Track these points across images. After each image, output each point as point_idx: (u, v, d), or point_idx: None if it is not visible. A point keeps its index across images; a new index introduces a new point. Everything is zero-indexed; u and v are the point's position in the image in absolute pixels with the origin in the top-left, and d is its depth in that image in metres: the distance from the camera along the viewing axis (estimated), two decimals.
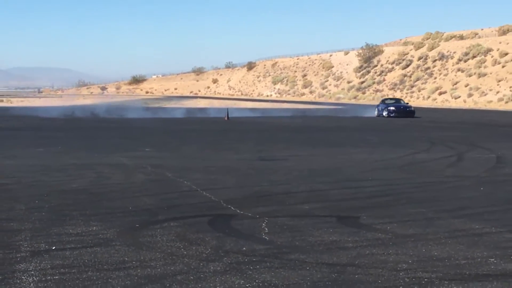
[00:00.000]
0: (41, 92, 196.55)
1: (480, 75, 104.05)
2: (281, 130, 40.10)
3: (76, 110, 68.16)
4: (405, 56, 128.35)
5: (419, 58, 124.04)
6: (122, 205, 13.31)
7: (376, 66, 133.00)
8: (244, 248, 9.71)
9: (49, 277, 8.13)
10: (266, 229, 11.05)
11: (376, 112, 63.83)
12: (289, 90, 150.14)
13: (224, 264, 8.80)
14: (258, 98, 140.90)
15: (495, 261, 9.07)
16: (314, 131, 39.73)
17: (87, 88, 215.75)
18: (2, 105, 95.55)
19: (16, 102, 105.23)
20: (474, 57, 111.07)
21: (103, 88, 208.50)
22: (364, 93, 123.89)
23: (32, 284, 7.84)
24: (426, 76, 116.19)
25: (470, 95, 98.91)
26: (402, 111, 61.23)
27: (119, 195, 14.71)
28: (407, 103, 68.49)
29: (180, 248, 9.68)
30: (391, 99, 72.81)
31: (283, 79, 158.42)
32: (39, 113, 61.80)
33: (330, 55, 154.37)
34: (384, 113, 61.49)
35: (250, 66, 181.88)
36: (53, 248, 9.65)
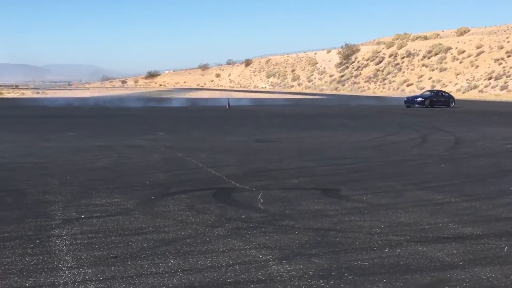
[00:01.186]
0: (71, 86, 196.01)
1: (441, 70, 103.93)
2: (274, 117, 40.05)
3: (100, 100, 68.07)
4: (378, 53, 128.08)
5: (390, 55, 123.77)
6: (140, 180, 13.32)
7: (353, 62, 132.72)
8: (243, 216, 9.73)
9: (79, 241, 8.16)
10: (262, 200, 11.07)
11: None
12: (280, 83, 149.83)
13: (226, 230, 8.83)
14: (254, 89, 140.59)
15: (454, 226, 9.10)
16: (302, 117, 39.69)
17: (110, 82, 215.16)
18: (39, 96, 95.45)
19: (50, 94, 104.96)
20: (436, 54, 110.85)
21: (123, 82, 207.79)
22: (343, 85, 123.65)
23: (64, 247, 7.86)
24: (396, 71, 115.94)
25: (433, 87, 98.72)
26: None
27: (137, 171, 14.73)
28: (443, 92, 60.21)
29: (189, 216, 9.70)
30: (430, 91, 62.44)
31: (275, 73, 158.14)
32: (70, 102, 61.70)
33: (315, 53, 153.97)
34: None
35: (247, 62, 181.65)
36: (82, 216, 9.67)
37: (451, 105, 54.75)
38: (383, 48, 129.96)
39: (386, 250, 7.81)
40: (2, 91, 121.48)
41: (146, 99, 75.81)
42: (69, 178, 13.50)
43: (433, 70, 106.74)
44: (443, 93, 58.60)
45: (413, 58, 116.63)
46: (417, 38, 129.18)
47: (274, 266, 7.08)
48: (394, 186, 12.64)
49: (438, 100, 55.45)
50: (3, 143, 21.53)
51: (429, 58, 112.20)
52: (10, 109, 51.24)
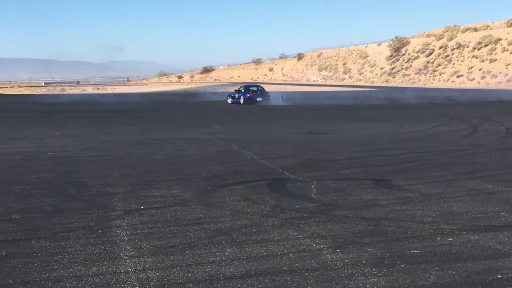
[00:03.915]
0: (130, 81, 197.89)
1: (491, 61, 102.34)
2: (325, 109, 39.94)
3: (158, 95, 68.56)
4: (428, 46, 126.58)
5: (440, 47, 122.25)
6: (196, 172, 13.38)
7: (404, 54, 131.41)
8: (296, 206, 9.72)
9: (139, 231, 8.23)
10: (315, 190, 11.04)
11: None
12: (332, 76, 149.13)
13: (280, 219, 8.82)
14: (306, 83, 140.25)
15: (505, 215, 8.97)
16: (353, 109, 39.49)
17: (167, 77, 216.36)
18: (99, 92, 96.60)
19: (109, 90, 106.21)
20: (486, 45, 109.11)
21: (180, 77, 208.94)
22: (394, 77, 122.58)
23: (125, 237, 7.94)
24: (446, 62, 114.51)
25: (483, 77, 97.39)
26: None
27: (194, 163, 14.80)
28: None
29: (245, 207, 9.72)
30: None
31: (327, 67, 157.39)
32: (129, 98, 62.33)
33: (366, 46, 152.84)
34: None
35: (300, 56, 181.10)
36: (142, 207, 9.76)
37: None
38: (433, 40, 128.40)
39: (438, 238, 7.72)
40: (65, 87, 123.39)
41: (201, 93, 76.09)
42: (128, 171, 13.64)
43: (483, 61, 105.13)
44: None
45: (463, 50, 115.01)
46: (467, 29, 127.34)
47: (328, 255, 7.06)
48: (445, 176, 12.49)
49: None
50: (66, 137, 21.83)
51: (479, 49, 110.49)
52: (72, 105, 51.92)
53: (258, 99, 49.73)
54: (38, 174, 13.32)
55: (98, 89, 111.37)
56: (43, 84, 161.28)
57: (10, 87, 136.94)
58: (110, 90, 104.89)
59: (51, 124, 29.17)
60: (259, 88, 52.61)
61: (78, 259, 7.02)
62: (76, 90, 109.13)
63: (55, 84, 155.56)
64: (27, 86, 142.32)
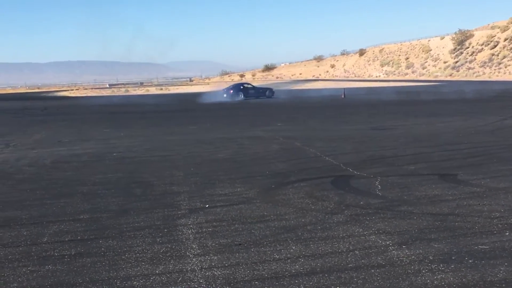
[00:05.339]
0: (192, 81, 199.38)
1: None
2: (389, 104, 39.60)
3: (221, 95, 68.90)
4: (493, 38, 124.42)
5: (505, 39, 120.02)
6: (260, 170, 13.41)
7: (467, 48, 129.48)
8: (361, 203, 9.66)
9: (204, 229, 8.29)
10: (379, 186, 10.97)
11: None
12: (394, 71, 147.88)
13: (345, 216, 8.79)
14: (368, 79, 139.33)
15: None
16: (416, 104, 39.05)
17: (229, 76, 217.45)
18: (161, 92, 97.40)
19: (172, 90, 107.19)
20: None
21: (242, 76, 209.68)
22: (458, 71, 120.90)
23: (191, 235, 8.01)
24: (511, 55, 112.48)
25: None
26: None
27: (257, 161, 14.83)
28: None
29: (309, 204, 9.70)
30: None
31: (389, 62, 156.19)
32: (193, 97, 62.82)
33: (428, 40, 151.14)
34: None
35: (362, 52, 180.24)
36: (207, 206, 9.83)
37: None
38: (497, 32, 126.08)
39: (507, 233, 7.59)
40: (129, 88, 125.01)
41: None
42: (193, 170, 13.75)
43: None
44: None
45: None
46: None
47: (394, 251, 7.00)
48: None
49: None
50: (131, 137, 22.13)
51: None
52: (138, 106, 52.57)
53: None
54: (104, 174, 13.55)
55: (161, 89, 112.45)
56: (107, 86, 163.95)
57: (76, 89, 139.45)
58: (173, 90, 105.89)
59: (116, 125, 29.61)
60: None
61: (145, 257, 7.11)
62: (140, 91, 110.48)
63: (119, 86, 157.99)
64: (92, 88, 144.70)
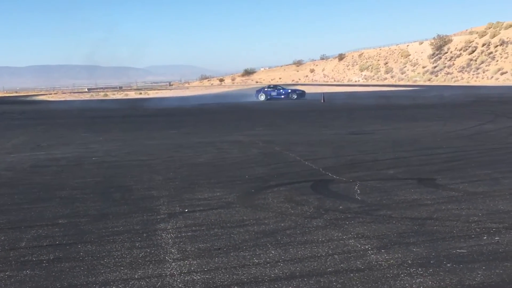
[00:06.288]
0: (172, 85, 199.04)
1: None
2: (368, 109, 39.74)
3: (201, 98, 68.90)
4: (471, 43, 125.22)
5: (483, 45, 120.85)
6: (240, 174, 13.41)
7: (446, 53, 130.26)
8: (340, 207, 9.69)
9: (183, 234, 8.28)
10: (358, 190, 11.00)
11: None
12: (373, 76, 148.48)
13: (324, 220, 8.80)
14: (348, 83, 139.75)
15: None
16: (395, 109, 39.23)
17: (208, 81, 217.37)
18: (141, 96, 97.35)
19: (152, 94, 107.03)
20: None
21: (221, 80, 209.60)
22: (436, 76, 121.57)
23: (170, 240, 7.99)
24: (489, 60, 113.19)
25: None
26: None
27: (237, 166, 14.83)
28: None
29: (288, 208, 9.71)
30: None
31: (368, 66, 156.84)
32: (171, 102, 62.74)
33: (407, 45, 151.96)
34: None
35: (341, 57, 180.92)
36: (186, 210, 9.81)
37: None
38: (475, 38, 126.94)
39: (485, 237, 7.64)
40: (107, 93, 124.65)
41: (243, 95, 76.28)
42: (172, 174, 13.73)
43: None
44: None
45: (506, 46, 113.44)
46: (510, 26, 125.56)
47: (373, 255, 7.03)
48: (490, 174, 12.34)
49: None
50: (110, 141, 22.07)
51: None
52: (117, 110, 52.40)
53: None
54: (83, 179, 13.49)
55: (141, 93, 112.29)
56: (86, 90, 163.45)
57: (54, 93, 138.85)
58: (152, 94, 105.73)
59: (95, 129, 29.50)
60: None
61: (124, 262, 7.09)
62: (119, 95, 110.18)
63: (98, 90, 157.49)
64: (70, 92, 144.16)
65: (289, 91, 64.54)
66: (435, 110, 35.75)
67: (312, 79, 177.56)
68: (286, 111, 40.74)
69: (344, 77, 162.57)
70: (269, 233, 8.19)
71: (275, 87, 66.95)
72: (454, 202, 9.78)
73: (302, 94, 63.28)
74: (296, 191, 11.11)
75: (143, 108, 52.78)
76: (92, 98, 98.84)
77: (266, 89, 65.46)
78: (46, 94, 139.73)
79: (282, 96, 62.60)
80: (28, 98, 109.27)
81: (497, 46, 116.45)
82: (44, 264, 7.12)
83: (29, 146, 21.46)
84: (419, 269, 6.50)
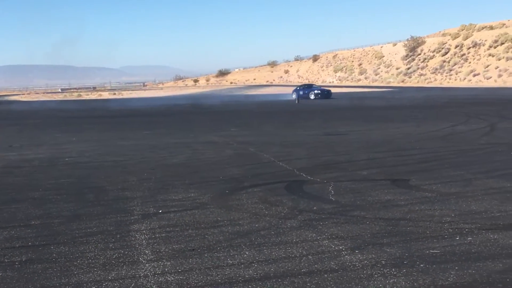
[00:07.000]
0: (146, 86, 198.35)
1: (508, 59, 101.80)
2: (342, 110, 39.88)
3: (174, 99, 68.72)
4: (444, 45, 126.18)
5: (456, 46, 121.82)
6: (214, 175, 13.40)
7: (419, 54, 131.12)
8: (314, 208, 9.71)
9: (157, 235, 8.25)
10: (332, 191, 11.03)
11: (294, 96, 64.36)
12: (347, 77, 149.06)
13: (298, 221, 8.82)
14: (322, 84, 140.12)
15: None
16: (370, 110, 39.40)
17: (182, 81, 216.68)
18: (115, 97, 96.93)
19: (126, 94, 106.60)
20: (502, 43, 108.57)
21: (195, 81, 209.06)
22: (410, 77, 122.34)
23: (144, 241, 7.96)
24: (462, 61, 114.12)
25: (499, 76, 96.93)
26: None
27: (211, 167, 14.81)
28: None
29: (263, 209, 9.72)
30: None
31: (342, 68, 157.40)
32: (145, 102, 62.51)
33: (381, 47, 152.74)
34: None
35: (315, 58, 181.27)
36: (160, 211, 9.78)
37: None
38: (448, 40, 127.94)
39: (457, 238, 7.69)
40: (81, 93, 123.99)
41: (217, 96, 76.22)
42: (146, 175, 13.68)
43: (499, 59, 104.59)
44: None
45: (479, 48, 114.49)
46: (482, 28, 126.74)
47: (346, 256, 7.05)
48: (463, 175, 12.44)
49: None
50: (84, 142, 21.94)
51: (495, 47, 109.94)
52: (89, 110, 52.15)
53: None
54: (56, 179, 13.40)
55: (114, 94, 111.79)
56: (60, 90, 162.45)
57: (27, 93, 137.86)
58: (126, 95, 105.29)
59: (68, 129, 29.32)
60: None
61: (97, 263, 7.05)
62: (93, 96, 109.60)
63: (72, 90, 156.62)
64: (43, 93, 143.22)
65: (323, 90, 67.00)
66: (408, 111, 35.94)
67: (287, 80, 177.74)
68: (259, 112, 40.75)
69: (318, 78, 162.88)
70: (243, 234, 8.18)
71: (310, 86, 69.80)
72: (427, 203, 9.84)
73: (328, 93, 65.35)
74: (271, 192, 11.12)
75: (115, 109, 52.52)
76: (65, 99, 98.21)
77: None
78: (19, 94, 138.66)
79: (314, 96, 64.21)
80: (0, 98, 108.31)
81: (469, 48, 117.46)
82: (16, 266, 7.06)
83: (1, 147, 21.28)
84: (393, 269, 6.53)
